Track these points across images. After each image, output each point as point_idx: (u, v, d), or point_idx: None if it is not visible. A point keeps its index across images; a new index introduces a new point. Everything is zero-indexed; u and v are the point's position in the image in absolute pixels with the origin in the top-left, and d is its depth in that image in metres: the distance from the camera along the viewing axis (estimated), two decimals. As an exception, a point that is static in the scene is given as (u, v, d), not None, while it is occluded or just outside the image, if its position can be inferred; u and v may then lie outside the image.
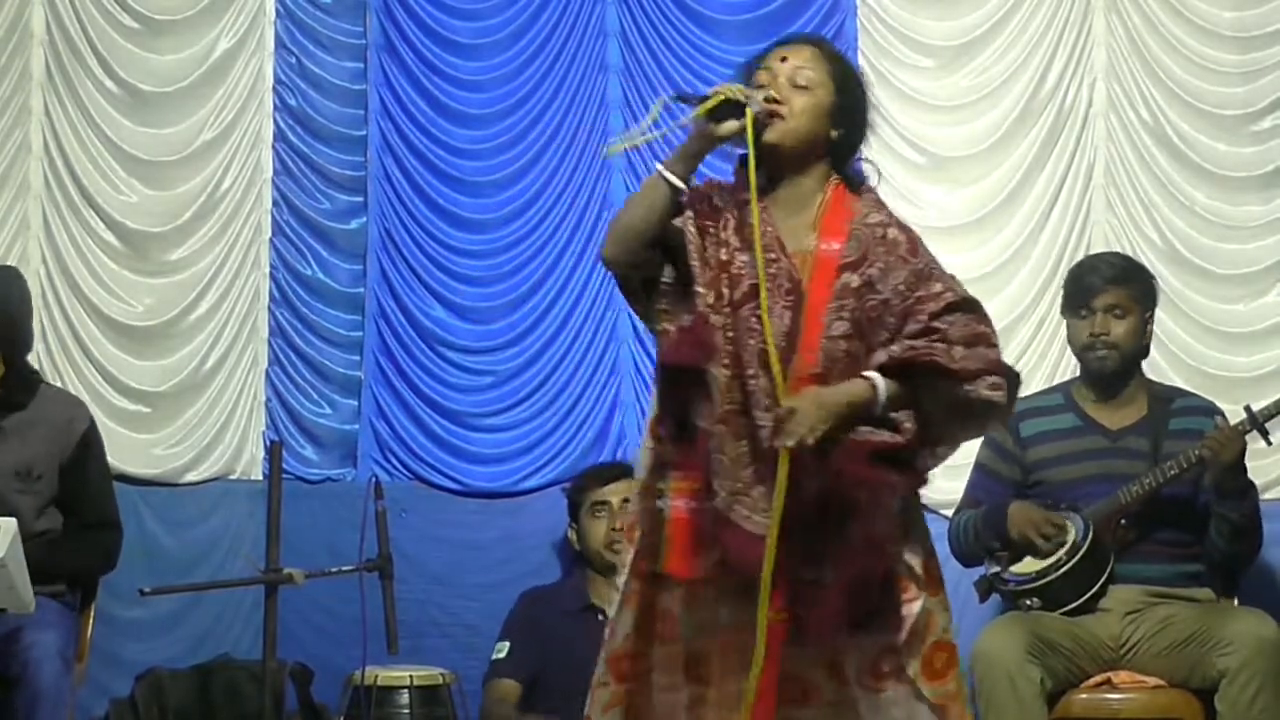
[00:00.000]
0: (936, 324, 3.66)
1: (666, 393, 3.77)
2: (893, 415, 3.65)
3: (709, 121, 3.71)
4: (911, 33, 6.58)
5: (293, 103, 6.78)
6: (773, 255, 3.70)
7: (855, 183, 3.85)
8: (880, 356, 3.65)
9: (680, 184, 3.74)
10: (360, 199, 6.79)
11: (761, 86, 3.78)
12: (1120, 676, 5.16)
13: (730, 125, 3.71)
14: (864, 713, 3.73)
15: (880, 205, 3.81)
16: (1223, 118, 6.38)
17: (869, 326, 3.67)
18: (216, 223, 6.74)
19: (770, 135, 3.73)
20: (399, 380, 6.70)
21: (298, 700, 5.90)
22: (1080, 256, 6.20)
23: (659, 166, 3.76)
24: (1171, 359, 6.25)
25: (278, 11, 6.80)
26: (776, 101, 3.74)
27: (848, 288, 3.67)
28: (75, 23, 6.74)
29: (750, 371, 3.65)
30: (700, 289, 3.70)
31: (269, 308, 6.75)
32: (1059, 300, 5.65)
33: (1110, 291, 5.35)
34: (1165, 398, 5.43)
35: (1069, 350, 5.65)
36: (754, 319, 3.66)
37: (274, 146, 6.78)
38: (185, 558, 6.55)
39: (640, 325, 6.55)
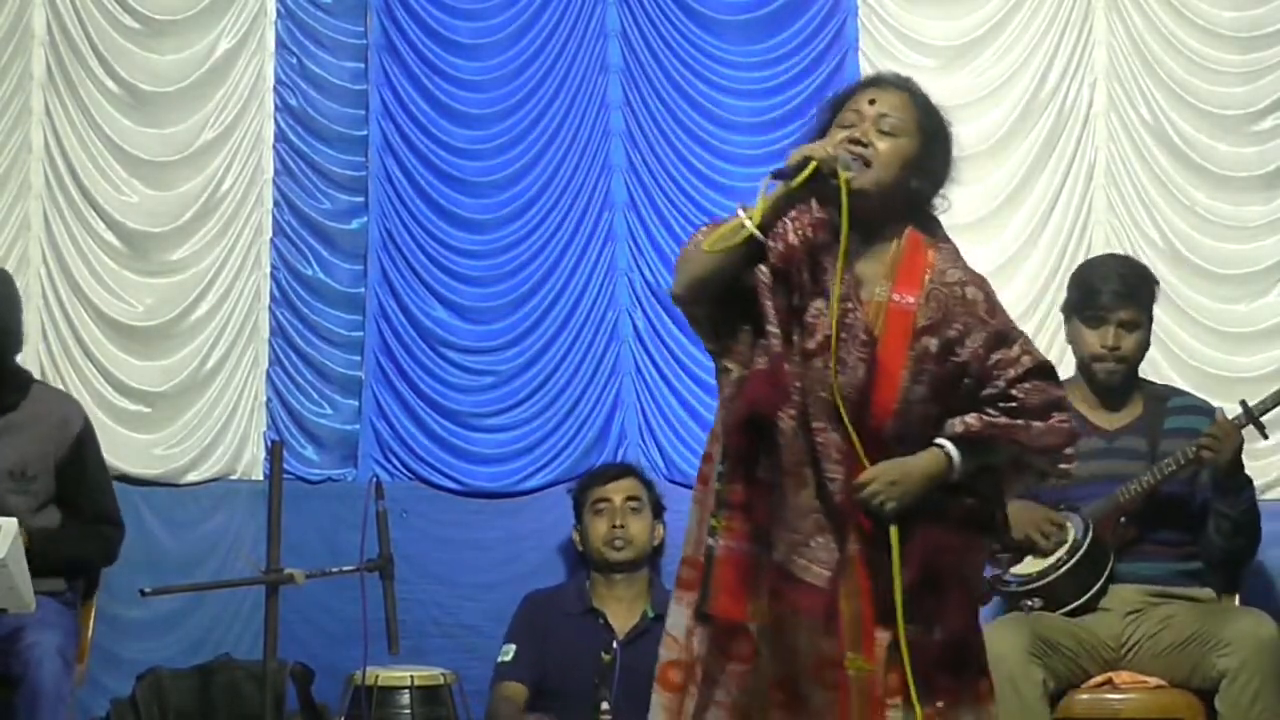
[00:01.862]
0: (1015, 391, 3.63)
1: (733, 435, 3.67)
2: (970, 483, 3.65)
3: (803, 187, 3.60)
4: (912, 33, 6.58)
5: (293, 103, 6.78)
6: (849, 305, 3.62)
7: (932, 232, 3.75)
8: (957, 426, 3.63)
9: (760, 235, 3.62)
10: (361, 199, 6.79)
11: (849, 128, 3.69)
12: (1121, 677, 5.15)
13: (820, 188, 3.61)
14: None
15: (956, 258, 3.72)
16: (1224, 118, 6.38)
17: (946, 390, 3.62)
18: (217, 223, 6.74)
19: (855, 182, 3.62)
20: (400, 380, 6.70)
21: (298, 700, 5.90)
22: (1081, 257, 6.19)
23: (740, 213, 3.62)
24: (1172, 359, 6.25)
25: (278, 11, 6.80)
26: (862, 144, 3.65)
27: (927, 353, 3.61)
28: (76, 23, 6.73)
29: (819, 424, 3.61)
30: (774, 334, 3.63)
31: (270, 308, 6.75)
32: (1059, 306, 5.62)
33: (1127, 307, 5.33)
34: (1161, 397, 5.44)
35: (1069, 352, 5.66)
36: (827, 371, 3.60)
37: (275, 146, 6.78)
38: (186, 558, 6.55)
39: (640, 325, 6.59)
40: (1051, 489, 5.28)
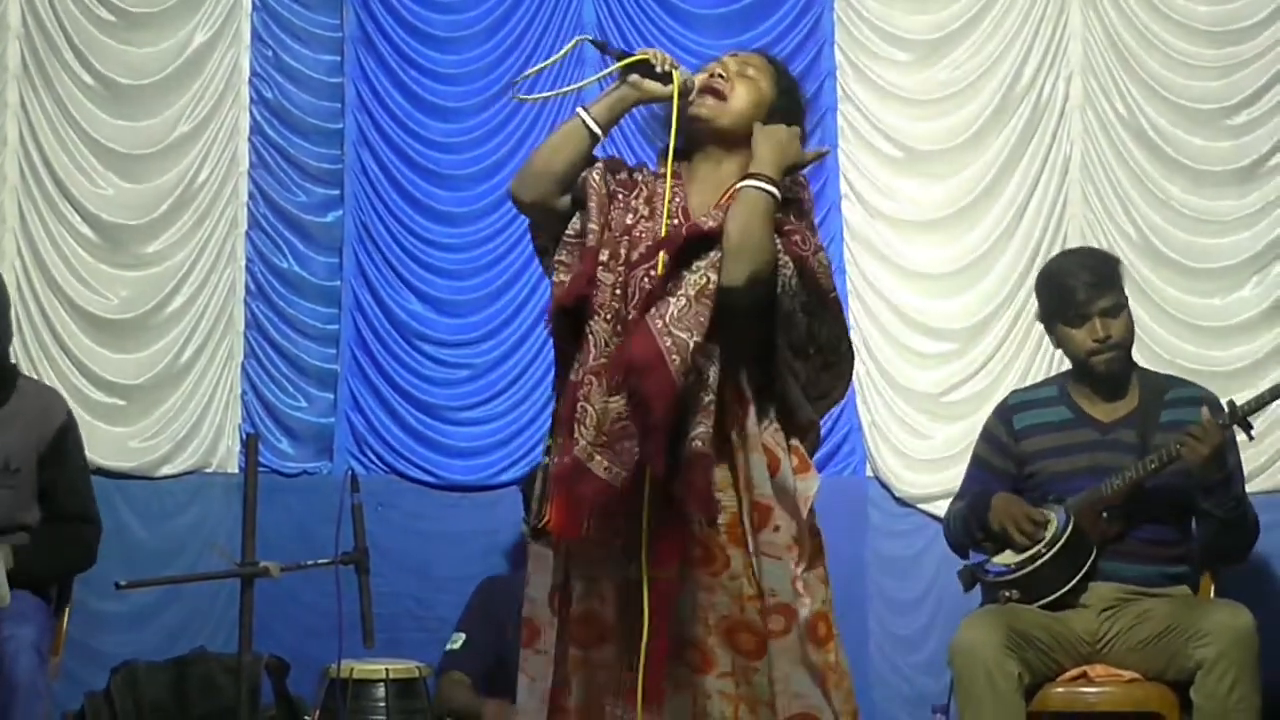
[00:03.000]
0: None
1: (555, 337, 3.74)
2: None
3: (631, 76, 3.72)
4: (888, 27, 6.58)
5: (269, 96, 6.78)
6: (675, 222, 3.69)
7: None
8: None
9: (598, 129, 3.73)
10: (336, 192, 6.79)
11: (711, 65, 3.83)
12: (1096, 670, 5.15)
13: (654, 85, 3.71)
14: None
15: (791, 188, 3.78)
16: (1199, 112, 6.38)
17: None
18: (192, 216, 6.73)
19: (705, 109, 3.75)
20: (375, 373, 6.70)
21: (274, 693, 5.88)
22: (1056, 251, 6.18)
23: (580, 110, 3.75)
24: (1147, 353, 6.25)
25: (254, 4, 6.80)
26: (721, 77, 3.77)
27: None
28: (51, 15, 6.73)
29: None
30: (592, 230, 3.68)
31: (245, 301, 6.75)
32: (1033, 300, 5.60)
33: (1104, 295, 5.30)
34: (1159, 388, 5.37)
35: (1045, 344, 5.62)
36: (646, 279, 3.65)
37: (250, 139, 6.78)
38: (161, 551, 6.55)
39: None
40: (1036, 482, 5.32)
